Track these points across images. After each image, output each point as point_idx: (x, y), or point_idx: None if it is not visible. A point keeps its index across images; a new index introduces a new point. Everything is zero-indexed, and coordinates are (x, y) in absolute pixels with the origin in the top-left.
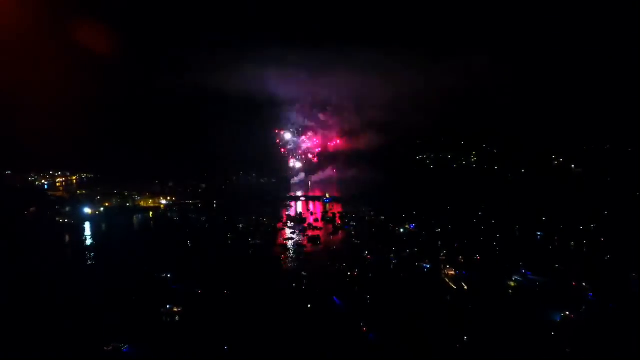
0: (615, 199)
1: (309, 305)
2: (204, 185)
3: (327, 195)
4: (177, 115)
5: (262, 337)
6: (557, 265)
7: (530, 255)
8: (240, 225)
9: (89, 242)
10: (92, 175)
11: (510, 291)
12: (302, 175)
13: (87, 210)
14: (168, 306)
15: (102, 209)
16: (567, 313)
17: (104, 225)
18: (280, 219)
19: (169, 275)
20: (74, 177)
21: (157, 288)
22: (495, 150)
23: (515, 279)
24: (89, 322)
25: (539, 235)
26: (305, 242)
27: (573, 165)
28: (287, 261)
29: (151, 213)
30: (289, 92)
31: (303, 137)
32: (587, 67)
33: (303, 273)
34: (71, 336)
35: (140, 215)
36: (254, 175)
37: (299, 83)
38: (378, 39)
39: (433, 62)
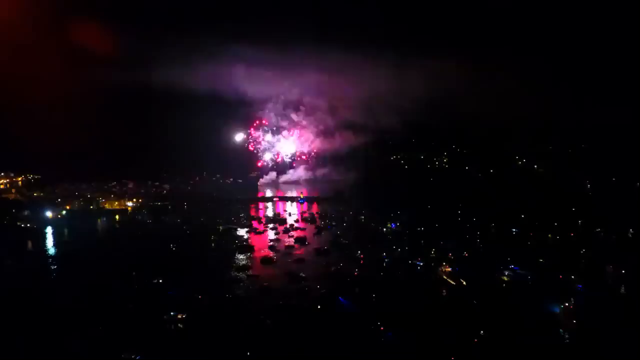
0: (583, 197)
1: (319, 307)
2: (167, 186)
3: (301, 196)
4: (136, 112)
5: (278, 340)
6: (540, 260)
7: (512, 251)
8: (220, 227)
9: (62, 248)
10: (40, 176)
11: (504, 285)
12: (272, 175)
13: (49, 214)
14: (172, 313)
15: (64, 212)
16: (567, 305)
17: (71, 230)
18: (258, 220)
19: (161, 281)
20: (20, 178)
21: (152, 294)
22: (465, 151)
23: (508, 273)
24: (90, 334)
25: (514, 231)
26: (292, 243)
27: (535, 166)
28: (281, 263)
29: (117, 216)
30: (259, 90)
31: (273, 137)
32: (557, 67)
33: (302, 274)
34: (76, 351)
35: (105, 218)
36: (219, 175)
37: (270, 82)
38: (353, 39)
39: (406, 63)
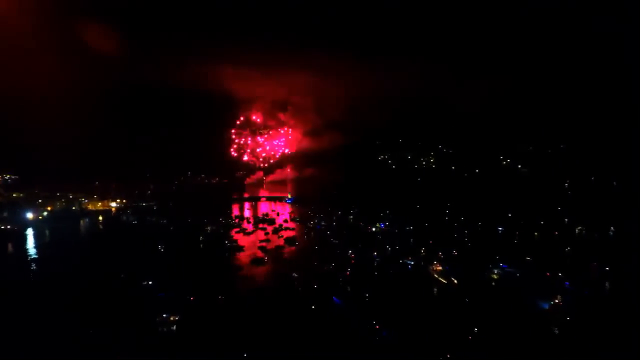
0: (567, 196)
1: (313, 307)
2: (151, 187)
3: (289, 196)
4: (116, 110)
5: (272, 341)
6: (527, 258)
7: (499, 249)
8: (208, 228)
9: (45, 250)
10: (17, 177)
11: (493, 283)
12: (258, 175)
13: (29, 215)
14: (164, 315)
15: (45, 213)
16: (557, 301)
17: (54, 231)
18: (247, 220)
19: (150, 283)
20: None
21: (142, 297)
22: (450, 151)
23: (497, 271)
24: (82, 338)
25: (500, 230)
26: (282, 243)
27: (520, 165)
28: (271, 263)
29: (101, 217)
30: (245, 89)
31: (259, 137)
32: (542, 67)
33: (294, 275)
34: (68, 355)
35: (88, 220)
36: (203, 175)
37: (256, 81)
38: (337, 39)
39: (391, 64)
